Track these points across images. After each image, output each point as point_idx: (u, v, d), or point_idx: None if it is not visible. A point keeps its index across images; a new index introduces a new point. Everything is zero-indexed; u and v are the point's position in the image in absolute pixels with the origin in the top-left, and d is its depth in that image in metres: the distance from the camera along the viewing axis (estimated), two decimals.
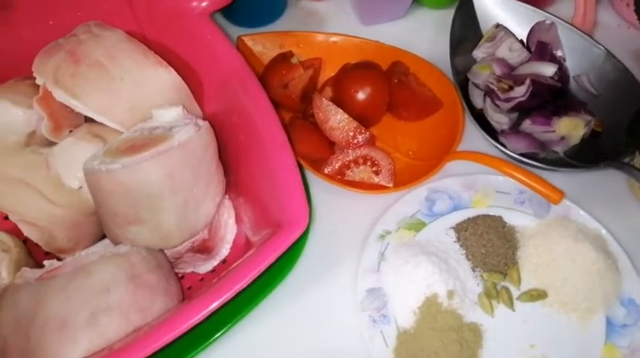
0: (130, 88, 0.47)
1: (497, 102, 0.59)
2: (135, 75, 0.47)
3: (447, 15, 0.68)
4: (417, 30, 0.72)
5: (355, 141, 0.56)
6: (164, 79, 0.48)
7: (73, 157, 0.45)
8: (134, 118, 0.47)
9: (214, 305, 0.36)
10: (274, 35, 0.65)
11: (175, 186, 0.43)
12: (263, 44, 0.65)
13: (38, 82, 0.47)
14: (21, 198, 0.45)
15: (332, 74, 0.64)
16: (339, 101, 0.59)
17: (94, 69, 0.46)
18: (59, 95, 0.46)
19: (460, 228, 0.54)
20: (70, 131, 0.49)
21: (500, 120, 0.60)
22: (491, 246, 0.52)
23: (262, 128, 0.44)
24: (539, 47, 0.63)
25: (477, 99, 0.62)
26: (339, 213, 0.55)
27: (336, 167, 0.56)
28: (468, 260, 0.53)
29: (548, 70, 0.59)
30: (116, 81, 0.46)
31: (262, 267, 0.37)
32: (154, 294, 0.41)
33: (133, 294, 0.40)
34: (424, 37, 0.70)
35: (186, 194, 0.44)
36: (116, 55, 0.47)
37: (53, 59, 0.47)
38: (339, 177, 0.56)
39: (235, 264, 0.42)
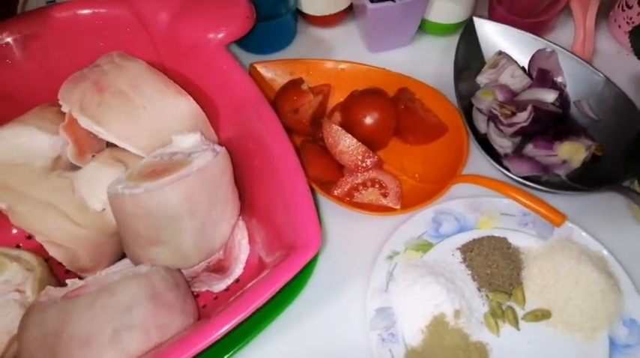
0: (152, 116, 0.49)
1: (501, 127, 0.62)
2: (156, 103, 0.50)
3: (451, 42, 0.71)
4: (422, 57, 0.75)
5: (364, 164, 0.58)
6: (183, 106, 0.51)
7: (97, 181, 0.48)
8: (154, 144, 0.50)
9: (230, 324, 0.38)
10: (285, 63, 0.68)
11: (194, 208, 0.45)
12: (274, 71, 0.68)
13: (64, 109, 0.50)
14: (47, 219, 0.47)
15: (340, 99, 0.67)
16: (347, 126, 0.61)
17: (118, 97, 0.49)
18: (85, 122, 0.48)
19: (466, 249, 0.56)
20: (93, 155, 0.51)
21: (503, 144, 0.62)
22: (496, 267, 0.54)
23: (276, 153, 0.46)
24: (541, 74, 0.65)
25: (481, 123, 0.64)
26: (348, 234, 0.57)
27: (345, 189, 0.58)
28: (474, 280, 0.54)
29: (549, 96, 0.62)
30: (138, 109, 0.49)
31: (276, 288, 0.39)
32: (173, 313, 0.43)
33: (153, 313, 0.41)
34: (429, 64, 0.73)
35: (204, 216, 0.46)
36: (138, 85, 0.50)
37: (79, 88, 0.49)
38: (348, 199, 0.58)
39: (250, 284, 0.44)
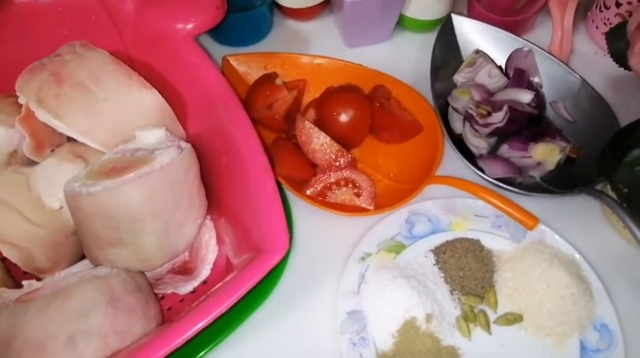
0: (114, 109, 0.47)
1: (476, 127, 0.61)
2: (118, 96, 0.47)
3: (430, 38, 0.69)
4: (400, 53, 0.73)
5: (337, 163, 0.57)
6: (147, 100, 0.49)
7: (55, 178, 0.45)
8: (116, 139, 0.47)
9: (192, 330, 0.36)
10: (259, 56, 0.66)
11: (156, 208, 0.43)
12: (248, 65, 0.65)
13: (21, 101, 0.47)
14: (0, 217, 0.44)
15: (316, 96, 0.65)
16: (322, 123, 0.60)
17: (78, 90, 0.46)
18: (42, 115, 0.46)
19: (439, 251, 0.55)
20: (52, 150, 0.49)
21: (479, 144, 0.61)
22: (469, 270, 0.53)
23: (244, 153, 0.45)
24: (517, 74, 0.64)
25: (457, 123, 0.64)
26: (320, 234, 0.56)
27: (318, 189, 0.57)
28: (447, 283, 0.53)
29: (526, 97, 0.61)
30: (99, 102, 0.47)
31: (241, 293, 0.37)
32: (133, 317, 0.41)
33: (111, 318, 0.39)
34: (407, 60, 0.72)
35: (168, 216, 0.44)
36: (100, 77, 0.47)
37: (36, 79, 0.47)
38: (321, 199, 0.57)
39: (215, 288, 0.42)
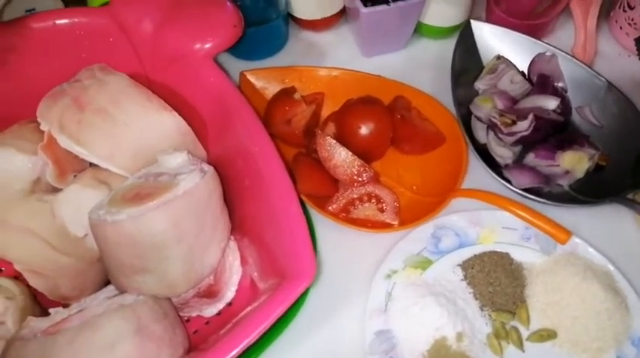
0: (135, 133, 0.47)
1: (501, 136, 0.59)
2: (139, 120, 0.47)
3: (447, 45, 0.68)
4: (418, 60, 0.72)
5: (359, 178, 0.56)
6: (168, 123, 0.48)
7: (79, 205, 0.45)
8: (138, 163, 0.47)
9: None
10: (276, 70, 0.65)
11: (181, 234, 0.42)
12: (266, 79, 0.65)
13: (43, 128, 0.47)
14: (26, 246, 0.44)
15: (334, 108, 0.64)
16: (342, 136, 0.59)
17: (99, 115, 0.46)
18: (64, 142, 0.46)
19: (467, 266, 0.54)
20: (75, 176, 0.49)
21: (503, 154, 0.60)
22: (498, 285, 0.52)
23: (266, 175, 0.44)
24: (541, 80, 0.63)
25: (480, 132, 0.62)
26: (344, 251, 0.55)
27: (341, 205, 0.56)
28: (476, 299, 0.52)
29: (551, 103, 0.59)
30: (120, 126, 0.46)
31: (270, 321, 0.37)
32: (161, 346, 0.41)
33: (139, 347, 0.39)
34: (425, 68, 0.70)
35: (192, 241, 0.44)
36: (120, 100, 0.47)
37: (58, 105, 0.47)
38: (344, 215, 0.56)
39: (241, 315, 0.42)
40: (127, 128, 0.47)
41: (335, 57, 0.72)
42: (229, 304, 0.51)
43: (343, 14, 0.74)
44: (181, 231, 0.42)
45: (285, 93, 0.63)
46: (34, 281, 0.44)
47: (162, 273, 0.43)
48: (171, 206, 0.41)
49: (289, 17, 0.72)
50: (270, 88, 0.65)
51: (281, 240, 0.41)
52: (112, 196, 0.44)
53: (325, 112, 0.65)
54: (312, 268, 0.38)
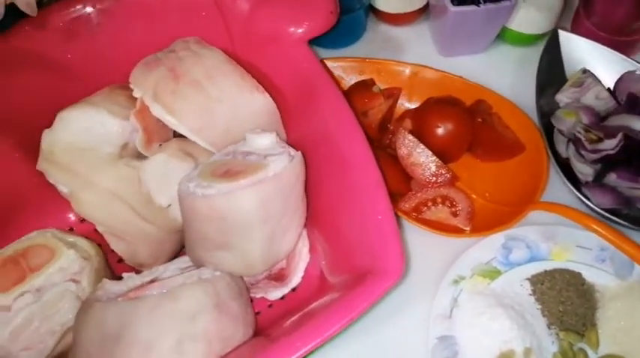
0: (226, 110, 0.47)
1: (582, 152, 0.57)
2: (232, 97, 0.47)
3: (528, 53, 0.67)
4: (496, 66, 0.70)
5: (436, 179, 0.55)
6: (259, 103, 0.48)
7: (165, 175, 0.45)
8: (226, 140, 0.47)
9: (303, 350, 0.35)
10: (356, 61, 0.64)
11: (267, 215, 0.42)
12: (343, 69, 0.64)
13: (136, 94, 0.47)
14: (111, 210, 0.45)
15: (409, 105, 0.64)
16: (418, 134, 0.58)
17: (193, 88, 0.46)
18: (157, 110, 0.46)
19: (536, 281, 0.52)
20: (160, 145, 0.49)
21: (583, 170, 0.58)
22: (570, 304, 0.50)
23: (355, 165, 0.43)
24: (631, 99, 0.60)
25: (560, 145, 0.60)
26: (412, 251, 0.54)
27: (413, 204, 0.55)
28: (544, 316, 0.51)
29: None
30: (213, 102, 0.46)
31: (354, 315, 0.36)
32: (236, 324, 0.41)
33: (217, 322, 0.39)
34: (503, 74, 0.69)
35: (275, 224, 0.44)
36: (215, 76, 0.47)
37: (153, 74, 0.47)
38: (415, 215, 0.55)
39: (315, 305, 0.41)
40: (220, 104, 0.46)
41: (410, 53, 0.71)
42: (293, 290, 0.50)
43: (425, 11, 0.72)
44: (267, 213, 0.42)
45: (364, 85, 0.62)
46: (115, 245, 0.45)
47: (244, 252, 0.43)
48: (262, 186, 0.41)
49: (369, 9, 0.71)
50: (346, 79, 0.64)
51: (365, 235, 0.41)
52: (201, 170, 0.44)
53: (400, 108, 0.64)
54: (401, 265, 0.37)
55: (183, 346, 0.37)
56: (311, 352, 0.35)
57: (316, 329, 0.36)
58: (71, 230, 0.54)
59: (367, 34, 0.73)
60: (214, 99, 0.46)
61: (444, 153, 0.57)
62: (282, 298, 0.50)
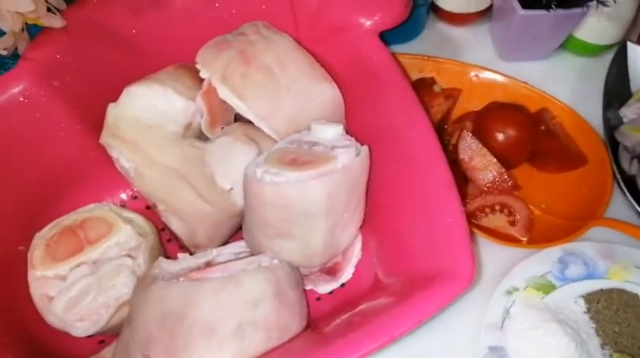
0: (295, 98, 0.46)
1: None
2: (301, 86, 0.46)
3: (591, 64, 0.65)
4: (557, 74, 0.69)
5: (497, 186, 0.53)
6: (327, 94, 0.47)
7: (228, 158, 0.45)
8: (291, 128, 0.46)
9: (364, 351, 0.34)
10: (416, 58, 0.63)
11: (331, 208, 0.42)
12: (402, 66, 0.63)
13: (203, 75, 0.47)
14: (173, 189, 0.44)
15: (469, 107, 0.62)
16: (478, 138, 0.56)
17: (264, 73, 0.45)
18: (224, 93, 0.45)
19: (592, 299, 0.51)
20: (222, 128, 0.48)
21: None
22: (626, 326, 0.49)
23: (424, 164, 0.42)
24: None
25: (625, 161, 0.58)
26: None
27: (470, 209, 0.54)
28: (598, 335, 0.49)
29: None
30: (282, 89, 0.45)
31: (422, 318, 0.35)
32: (294, 314, 0.40)
33: (277, 311, 0.39)
34: (564, 84, 0.67)
35: (338, 217, 0.43)
36: (285, 63, 0.46)
37: (223, 55, 0.46)
38: (472, 221, 0.54)
39: (370, 303, 0.40)
40: (289, 92, 0.46)
41: (469, 54, 0.69)
42: (342, 285, 0.50)
43: (487, 12, 0.71)
44: (332, 205, 0.41)
45: (425, 84, 0.61)
46: (175, 225, 0.44)
47: (305, 242, 0.42)
48: (330, 178, 0.40)
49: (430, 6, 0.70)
50: None
51: (432, 238, 0.39)
52: (268, 156, 0.43)
53: (458, 110, 0.62)
54: (473, 270, 0.36)
55: (243, 332, 0.37)
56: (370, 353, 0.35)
57: (383, 328, 0.35)
58: (123, 206, 0.54)
59: (425, 32, 0.72)
60: (284, 87, 0.45)
61: (503, 160, 0.56)
62: (331, 293, 0.49)
